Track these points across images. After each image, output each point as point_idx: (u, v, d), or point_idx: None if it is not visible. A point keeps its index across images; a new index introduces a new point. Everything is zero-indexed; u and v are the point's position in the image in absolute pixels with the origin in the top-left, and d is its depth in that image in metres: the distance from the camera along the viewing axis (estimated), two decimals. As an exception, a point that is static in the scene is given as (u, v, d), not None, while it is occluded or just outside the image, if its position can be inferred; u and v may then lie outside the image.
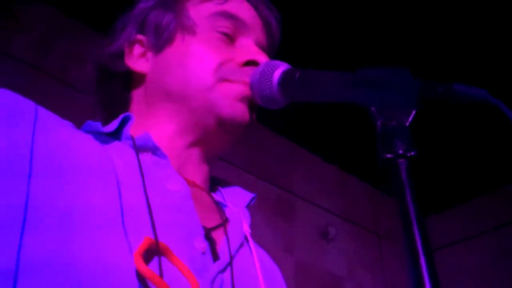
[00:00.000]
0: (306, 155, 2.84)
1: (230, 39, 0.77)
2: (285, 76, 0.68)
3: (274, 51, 0.83)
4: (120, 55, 0.79)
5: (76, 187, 0.57)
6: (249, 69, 0.74)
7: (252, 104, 0.75)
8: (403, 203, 0.46)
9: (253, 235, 0.78)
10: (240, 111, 0.73)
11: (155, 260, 0.56)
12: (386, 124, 0.51)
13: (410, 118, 0.51)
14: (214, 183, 0.81)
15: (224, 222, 0.71)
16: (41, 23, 2.00)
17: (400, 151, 0.48)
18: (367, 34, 2.21)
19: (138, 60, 0.79)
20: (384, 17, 2.15)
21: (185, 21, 0.77)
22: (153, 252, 0.56)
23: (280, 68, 0.69)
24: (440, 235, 3.12)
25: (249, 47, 0.77)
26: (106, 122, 0.78)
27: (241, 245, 0.71)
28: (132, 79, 0.80)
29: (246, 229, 0.74)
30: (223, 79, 0.73)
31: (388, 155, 0.49)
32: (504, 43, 2.20)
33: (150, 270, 0.53)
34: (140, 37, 0.79)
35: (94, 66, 0.81)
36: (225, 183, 0.82)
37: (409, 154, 0.48)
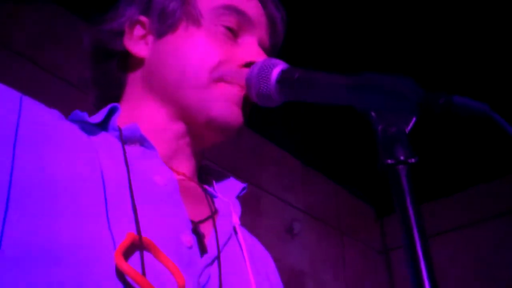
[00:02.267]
0: (273, 149, 2.86)
1: (234, 34, 0.76)
2: (284, 74, 0.68)
3: (276, 52, 0.82)
4: (120, 34, 0.77)
5: (60, 179, 0.57)
6: (248, 71, 0.73)
7: (246, 104, 0.75)
8: (403, 210, 0.47)
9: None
10: (232, 114, 0.73)
11: (138, 256, 0.55)
12: (386, 130, 0.52)
13: (410, 125, 0.53)
14: (205, 172, 0.81)
15: (213, 214, 0.71)
16: (38, 16, 1.95)
17: (402, 158, 0.50)
18: (370, 40, 2.22)
19: (137, 42, 0.77)
20: (388, 25, 2.17)
21: (191, 10, 0.75)
22: (136, 247, 0.56)
23: (279, 66, 0.69)
24: (434, 223, 3.16)
25: (252, 47, 0.76)
26: (98, 102, 0.78)
27: (230, 238, 0.70)
28: (129, 61, 0.78)
29: (236, 220, 0.74)
30: (220, 79, 0.73)
31: (389, 161, 0.50)
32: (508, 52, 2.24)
33: (130, 267, 0.53)
34: (143, 18, 0.77)
35: (91, 41, 0.79)
36: (217, 173, 0.82)
37: (410, 161, 0.50)
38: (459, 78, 2.28)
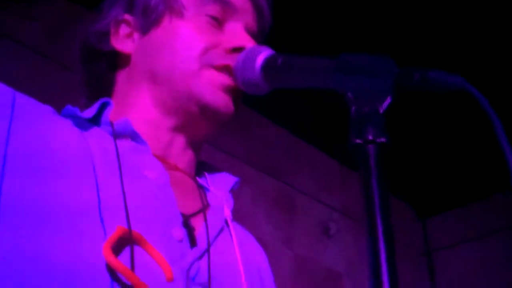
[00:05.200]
0: (309, 149, 2.83)
1: (218, 22, 0.76)
2: (268, 61, 0.68)
3: (264, 36, 0.81)
4: (106, 34, 0.78)
5: (52, 176, 0.58)
6: (236, 56, 0.72)
7: (236, 93, 0.74)
8: (367, 189, 0.46)
9: (252, 227, 0.78)
10: (223, 101, 0.73)
11: (128, 250, 0.56)
12: (359, 110, 0.51)
13: (385, 105, 0.51)
14: (201, 168, 0.81)
15: (204, 207, 0.71)
16: (51, 10, 2.01)
17: (370, 137, 0.48)
18: (357, 20, 2.20)
19: (124, 40, 0.78)
20: (373, 4, 2.14)
21: (173, 3, 0.76)
22: (126, 241, 0.56)
23: (264, 53, 0.69)
24: (440, 237, 3.10)
25: (238, 32, 0.76)
26: (90, 102, 0.78)
27: (221, 231, 0.70)
28: (117, 60, 0.80)
29: (228, 213, 0.73)
30: (208, 65, 0.73)
31: (358, 141, 0.48)
32: (488, 32, 2.19)
33: (118, 261, 0.53)
34: (127, 17, 0.79)
35: (80, 44, 0.81)
36: (212, 167, 0.82)
37: (378, 140, 0.48)
38: (438, 53, 2.22)
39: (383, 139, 0.48)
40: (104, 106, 0.71)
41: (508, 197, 2.83)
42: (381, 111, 0.50)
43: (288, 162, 2.72)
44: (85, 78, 0.81)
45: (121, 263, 0.53)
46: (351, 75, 0.54)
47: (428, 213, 3.21)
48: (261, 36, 0.81)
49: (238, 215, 0.78)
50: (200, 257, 0.63)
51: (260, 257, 0.81)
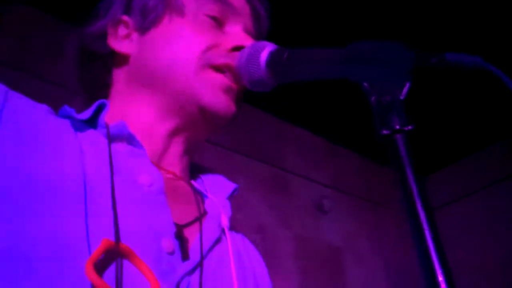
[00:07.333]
0: (294, 130, 2.84)
1: (218, 23, 0.75)
2: (272, 56, 0.66)
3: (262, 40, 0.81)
4: (103, 36, 0.76)
5: (37, 180, 0.55)
6: (237, 55, 0.72)
7: (237, 93, 0.73)
8: (404, 179, 0.46)
9: (248, 214, 0.75)
10: (225, 103, 0.71)
11: (114, 264, 0.53)
12: (380, 99, 0.51)
13: (405, 91, 0.51)
14: (195, 171, 0.79)
15: (200, 216, 0.69)
16: (19, 22, 1.96)
17: (397, 126, 0.48)
18: (359, 6, 2.18)
19: (122, 41, 0.76)
20: None
21: (173, 3, 0.75)
22: (113, 254, 0.54)
23: (267, 49, 0.68)
24: (440, 193, 3.12)
25: (238, 33, 0.75)
26: (86, 104, 0.76)
27: (217, 241, 0.68)
28: (114, 61, 0.78)
29: (225, 222, 0.71)
30: (209, 65, 0.72)
31: (385, 132, 0.48)
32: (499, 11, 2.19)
33: (100, 280, 0.50)
34: (125, 17, 0.77)
35: (75, 46, 0.79)
36: (207, 171, 0.80)
37: (406, 129, 0.48)
38: (450, 36, 2.22)
39: (409, 127, 0.48)
40: (101, 108, 0.69)
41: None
42: (401, 97, 0.50)
43: (274, 145, 2.73)
44: (80, 80, 0.79)
45: (103, 281, 0.50)
46: (364, 64, 0.54)
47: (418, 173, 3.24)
48: (259, 39, 0.79)
49: (233, 204, 0.75)
50: (192, 271, 0.61)
51: (258, 265, 0.79)
